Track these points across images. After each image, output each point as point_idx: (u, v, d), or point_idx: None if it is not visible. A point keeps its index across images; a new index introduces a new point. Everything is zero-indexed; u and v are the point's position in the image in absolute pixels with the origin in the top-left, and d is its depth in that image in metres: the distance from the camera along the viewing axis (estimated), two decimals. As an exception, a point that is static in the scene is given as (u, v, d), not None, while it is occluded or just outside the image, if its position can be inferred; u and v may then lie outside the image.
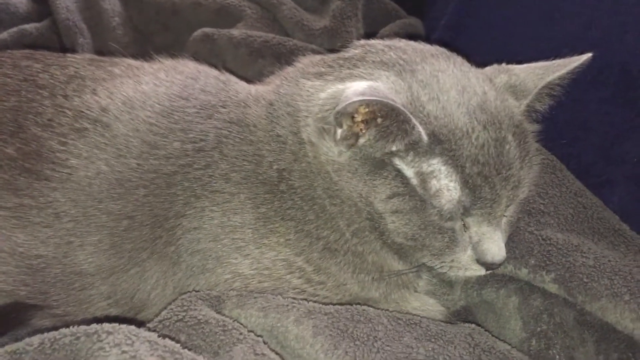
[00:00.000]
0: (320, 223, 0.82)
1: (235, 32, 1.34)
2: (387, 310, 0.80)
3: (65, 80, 0.90)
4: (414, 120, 0.74)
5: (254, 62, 1.31)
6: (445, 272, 0.81)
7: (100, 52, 1.44)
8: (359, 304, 0.82)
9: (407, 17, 1.41)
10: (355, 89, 0.76)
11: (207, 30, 1.36)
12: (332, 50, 1.34)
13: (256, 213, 0.82)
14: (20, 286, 0.84)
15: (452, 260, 0.80)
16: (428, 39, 1.33)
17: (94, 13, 1.45)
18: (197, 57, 1.37)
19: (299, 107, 0.84)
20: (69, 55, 0.98)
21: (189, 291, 0.83)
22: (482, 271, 0.81)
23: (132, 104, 0.88)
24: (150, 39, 1.49)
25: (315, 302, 0.81)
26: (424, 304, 0.86)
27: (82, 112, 0.87)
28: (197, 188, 0.83)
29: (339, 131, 0.78)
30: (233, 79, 0.96)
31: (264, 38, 1.32)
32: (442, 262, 0.80)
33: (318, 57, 0.91)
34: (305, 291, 0.82)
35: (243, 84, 0.95)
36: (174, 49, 1.47)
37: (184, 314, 0.73)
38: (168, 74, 0.92)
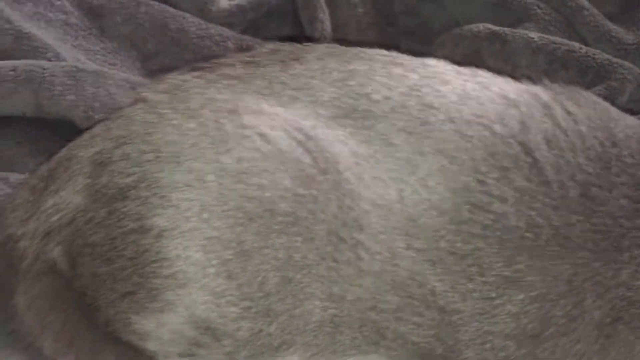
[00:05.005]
0: None
1: (534, 34, 1.15)
2: None
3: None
4: None
5: (554, 74, 1.12)
6: None
7: (337, 30, 1.28)
8: None
9: None
10: None
11: (494, 27, 1.17)
12: None
13: None
14: (436, 342, 0.71)
15: None
16: None
17: (333, -16, 1.27)
18: (474, 58, 1.21)
19: None
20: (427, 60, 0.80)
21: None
22: None
23: (559, 146, 0.73)
24: (393, 21, 1.31)
25: None
26: None
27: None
28: None
29: None
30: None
31: (569, 47, 1.13)
32: None
33: None
34: None
35: None
36: (419, 36, 1.31)
37: None
38: (582, 108, 0.77)
